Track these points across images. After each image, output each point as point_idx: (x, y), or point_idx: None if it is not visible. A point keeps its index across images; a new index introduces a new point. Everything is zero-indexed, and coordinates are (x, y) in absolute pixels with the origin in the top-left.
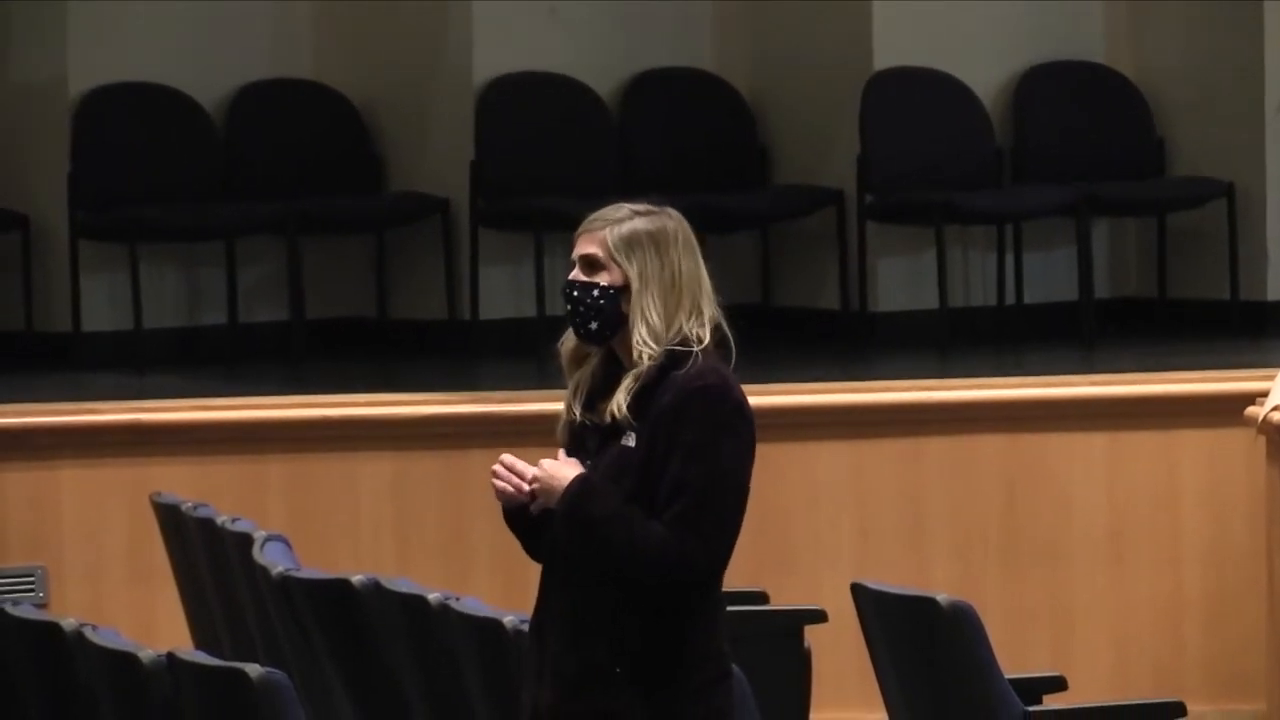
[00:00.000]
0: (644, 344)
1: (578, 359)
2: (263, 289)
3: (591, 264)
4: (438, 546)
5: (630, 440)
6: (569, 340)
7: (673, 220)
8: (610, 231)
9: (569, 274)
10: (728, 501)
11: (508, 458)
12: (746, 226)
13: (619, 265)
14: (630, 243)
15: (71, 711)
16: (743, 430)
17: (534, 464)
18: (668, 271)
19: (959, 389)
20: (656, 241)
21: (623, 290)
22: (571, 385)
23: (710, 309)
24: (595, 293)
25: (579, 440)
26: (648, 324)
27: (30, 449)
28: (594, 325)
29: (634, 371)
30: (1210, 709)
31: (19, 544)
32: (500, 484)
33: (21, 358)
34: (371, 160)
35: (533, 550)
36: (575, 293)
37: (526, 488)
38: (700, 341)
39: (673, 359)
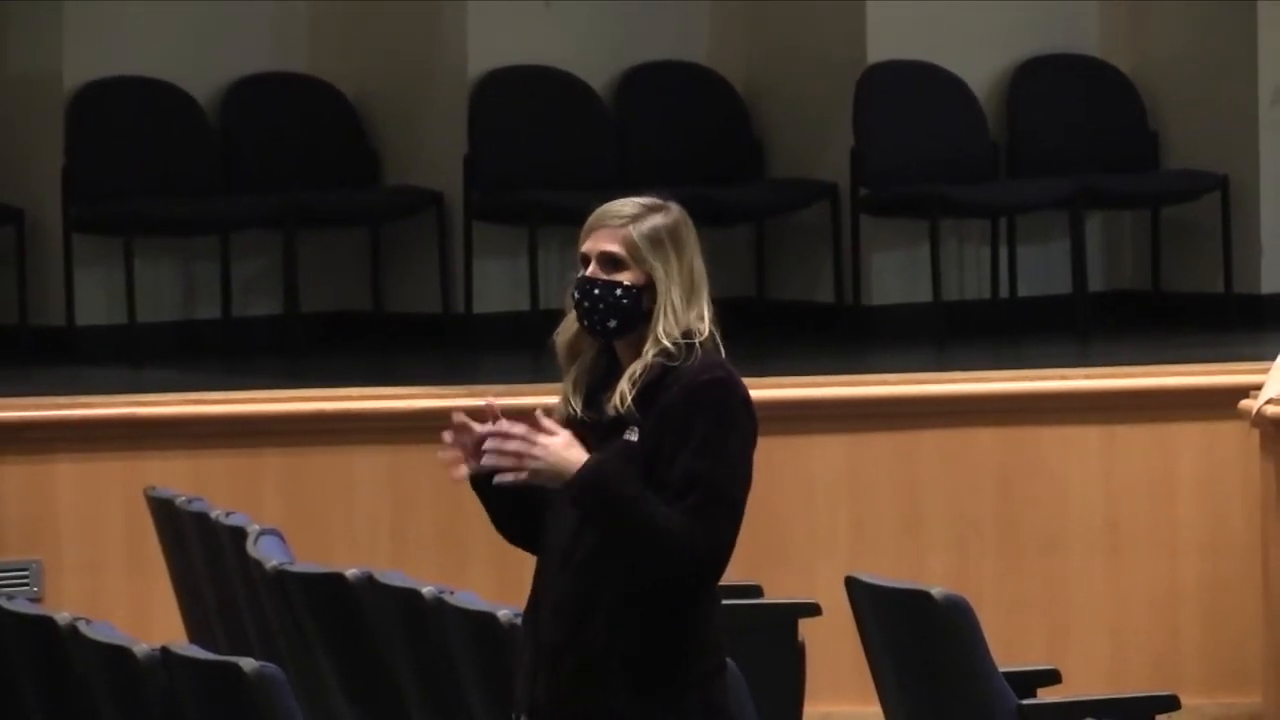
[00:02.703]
0: (663, 338)
1: (574, 352)
2: (258, 282)
3: (613, 262)
4: (432, 540)
5: (633, 435)
6: (564, 332)
7: (680, 214)
8: (633, 229)
9: (585, 270)
10: (736, 494)
11: (504, 424)
12: (741, 220)
13: (642, 265)
14: (653, 241)
15: (67, 705)
16: (748, 424)
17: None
18: (685, 268)
19: (954, 382)
20: (675, 238)
21: (645, 289)
22: (569, 380)
23: (710, 303)
24: (619, 291)
25: (577, 436)
26: (673, 319)
27: (25, 443)
28: (613, 323)
29: (639, 363)
30: (1206, 701)
31: (14, 537)
32: (497, 456)
33: (16, 351)
34: (366, 154)
35: (500, 522)
36: (596, 290)
37: (525, 464)
38: (700, 334)
39: (675, 353)
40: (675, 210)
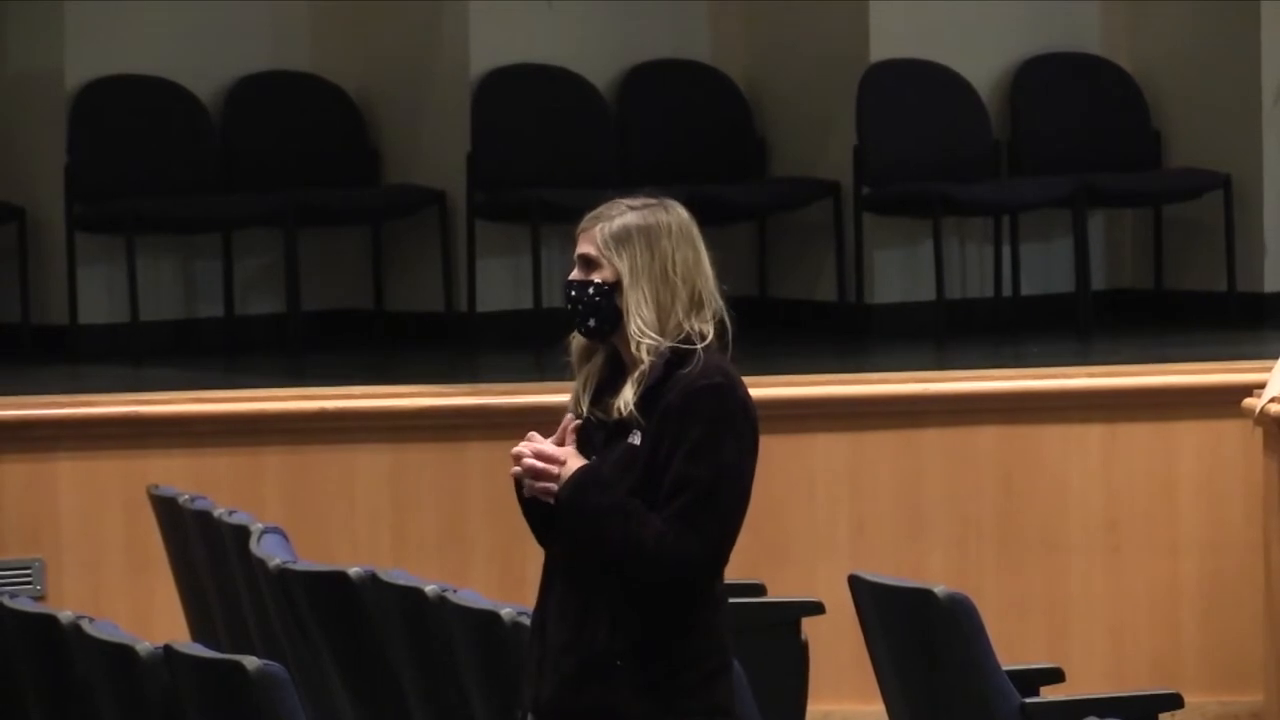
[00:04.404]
0: (640, 336)
1: (587, 353)
2: (259, 281)
3: (587, 262)
4: (435, 538)
5: (636, 438)
6: (579, 335)
7: (668, 212)
8: (601, 229)
9: (570, 274)
10: (728, 499)
11: (538, 445)
12: (743, 218)
13: (610, 261)
14: (620, 238)
15: (69, 704)
16: (746, 429)
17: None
18: (659, 264)
19: (956, 380)
20: (648, 234)
21: (616, 286)
22: (580, 380)
23: (714, 301)
24: (590, 290)
25: (585, 436)
26: (641, 317)
27: (27, 441)
28: (593, 323)
29: (640, 369)
30: (1208, 700)
31: (16, 536)
32: (532, 479)
33: (18, 350)
34: (368, 152)
35: (539, 535)
36: (573, 292)
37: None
38: (704, 338)
39: (677, 357)
40: (661, 208)
